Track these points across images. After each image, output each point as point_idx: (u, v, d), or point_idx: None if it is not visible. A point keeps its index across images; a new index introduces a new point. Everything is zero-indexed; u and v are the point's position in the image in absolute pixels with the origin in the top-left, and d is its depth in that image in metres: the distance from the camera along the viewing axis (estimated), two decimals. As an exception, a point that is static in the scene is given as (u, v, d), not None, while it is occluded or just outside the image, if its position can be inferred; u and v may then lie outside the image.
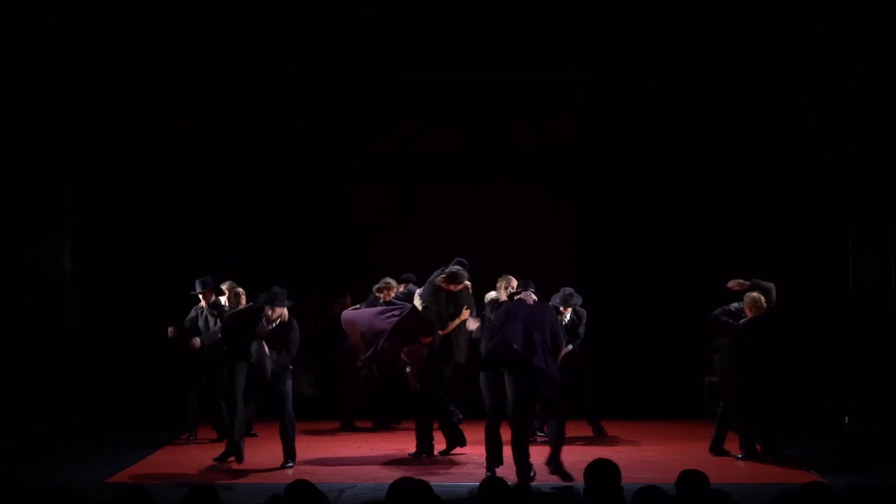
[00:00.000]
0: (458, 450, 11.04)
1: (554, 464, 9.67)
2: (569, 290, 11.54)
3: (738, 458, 10.75)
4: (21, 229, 12.34)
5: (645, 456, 11.00)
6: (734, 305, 11.01)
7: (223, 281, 11.68)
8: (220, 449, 10.89)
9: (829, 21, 13.17)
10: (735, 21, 13.67)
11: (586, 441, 11.93)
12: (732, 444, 11.04)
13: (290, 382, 10.39)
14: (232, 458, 10.56)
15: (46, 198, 12.69)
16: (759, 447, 10.74)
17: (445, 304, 10.77)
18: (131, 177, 14.05)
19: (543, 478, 9.72)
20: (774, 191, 14.02)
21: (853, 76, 12.99)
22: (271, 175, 14.55)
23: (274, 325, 10.40)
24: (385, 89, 14.47)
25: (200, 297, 11.86)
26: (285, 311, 10.44)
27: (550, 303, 10.70)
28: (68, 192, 13.07)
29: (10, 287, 12.22)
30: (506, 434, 9.79)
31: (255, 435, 11.78)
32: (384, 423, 12.74)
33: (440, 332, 10.77)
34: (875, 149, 12.92)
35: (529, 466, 9.59)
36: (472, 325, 10.68)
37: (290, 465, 10.32)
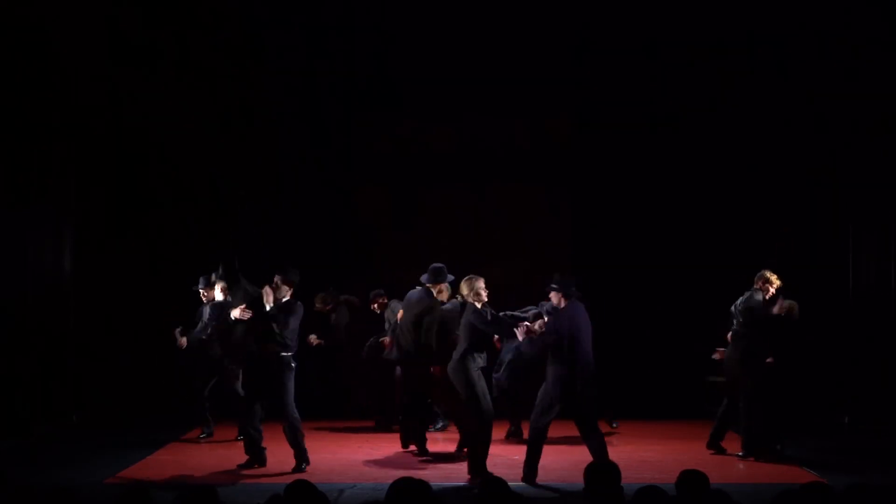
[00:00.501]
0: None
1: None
2: None
3: (738, 457, 10.74)
4: (21, 229, 12.34)
5: (645, 456, 11.00)
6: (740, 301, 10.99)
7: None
8: (216, 449, 10.91)
9: (829, 21, 13.17)
10: (735, 21, 13.67)
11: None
12: (731, 444, 11.06)
13: (291, 382, 10.22)
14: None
15: (46, 198, 12.69)
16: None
17: None
18: (131, 177, 14.05)
19: (542, 477, 9.73)
20: (774, 191, 14.02)
21: (853, 76, 12.99)
22: (271, 175, 14.55)
23: (281, 301, 10.31)
24: (385, 89, 14.47)
25: (202, 293, 11.91)
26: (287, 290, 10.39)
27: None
28: (68, 192, 13.07)
29: (10, 287, 12.22)
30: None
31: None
32: (386, 424, 12.74)
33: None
34: (875, 149, 12.92)
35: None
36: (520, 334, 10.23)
37: (303, 467, 10.10)
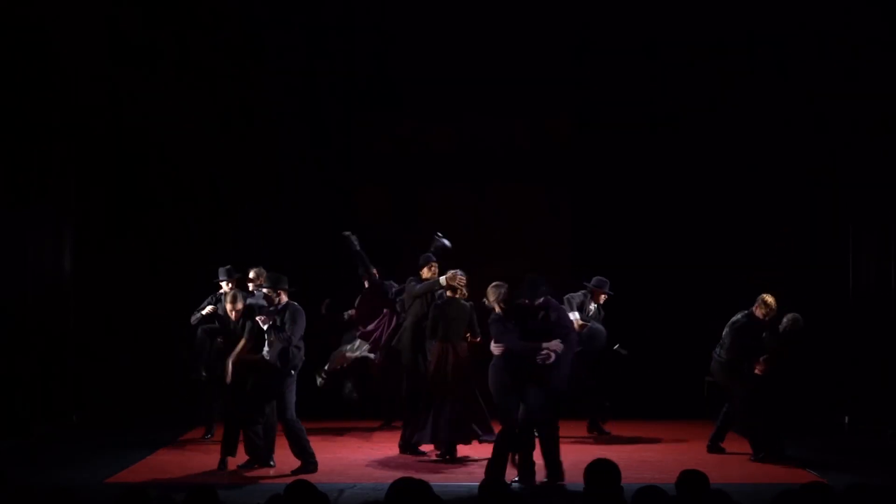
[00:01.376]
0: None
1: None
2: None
3: (751, 460, 10.68)
4: (21, 229, 12.34)
5: (645, 456, 11.00)
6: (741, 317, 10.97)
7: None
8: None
9: (829, 21, 13.17)
10: (735, 21, 13.67)
11: (586, 441, 11.93)
12: (731, 444, 11.07)
13: (293, 391, 10.16)
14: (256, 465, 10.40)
15: (46, 198, 12.68)
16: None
17: None
18: (131, 177, 14.05)
19: (543, 477, 9.72)
20: (774, 191, 14.03)
21: (853, 76, 12.98)
22: (271, 175, 14.55)
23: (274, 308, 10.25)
24: (385, 89, 14.47)
25: (223, 285, 11.72)
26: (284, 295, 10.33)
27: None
28: (68, 192, 13.07)
29: (10, 287, 12.21)
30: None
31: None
32: (389, 422, 12.76)
33: None
34: (875, 149, 12.91)
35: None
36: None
37: (311, 470, 10.03)
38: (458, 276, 10.97)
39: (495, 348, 9.62)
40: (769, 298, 10.79)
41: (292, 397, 10.17)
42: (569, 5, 14.07)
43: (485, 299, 9.96)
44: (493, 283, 9.85)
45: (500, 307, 9.70)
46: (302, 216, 14.42)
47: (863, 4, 12.92)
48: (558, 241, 14.67)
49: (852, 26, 12.95)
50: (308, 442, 10.20)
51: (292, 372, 10.17)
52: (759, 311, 10.79)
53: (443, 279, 11.15)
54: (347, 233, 12.27)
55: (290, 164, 14.65)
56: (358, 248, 12.22)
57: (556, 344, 9.42)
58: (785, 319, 10.98)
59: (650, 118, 14.36)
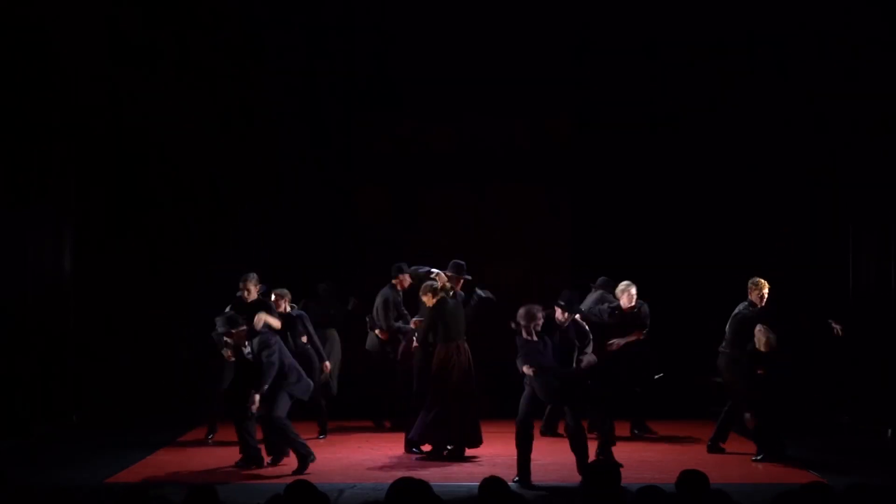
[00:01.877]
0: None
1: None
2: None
3: (754, 461, 10.67)
4: (21, 229, 12.33)
5: (645, 456, 10.99)
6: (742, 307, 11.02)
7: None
8: (222, 452, 10.92)
9: (829, 21, 13.16)
10: (735, 21, 13.67)
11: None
12: (732, 445, 11.07)
13: (286, 394, 10.28)
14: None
15: (46, 198, 12.68)
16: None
17: None
18: (131, 177, 14.05)
19: (543, 477, 9.73)
20: (774, 191, 14.02)
21: (853, 76, 12.98)
22: (271, 175, 14.55)
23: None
24: (385, 89, 14.47)
25: (248, 293, 11.44)
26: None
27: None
28: (68, 192, 13.07)
29: (10, 287, 12.21)
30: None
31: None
32: (380, 423, 12.74)
33: None
34: (875, 149, 12.90)
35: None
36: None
37: (310, 460, 10.12)
38: (441, 276, 11.10)
39: (527, 370, 9.76)
40: (758, 278, 10.89)
41: (285, 399, 10.21)
42: (569, 5, 14.07)
43: (513, 324, 10.00)
44: (527, 308, 9.89)
45: (532, 333, 9.81)
46: (302, 216, 14.42)
47: (863, 4, 12.91)
48: (558, 241, 14.67)
49: (852, 26, 12.94)
50: (297, 434, 10.22)
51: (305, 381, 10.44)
52: (753, 296, 10.92)
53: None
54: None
55: (290, 164, 14.65)
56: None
57: (590, 357, 10.16)
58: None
59: (650, 118, 14.36)
